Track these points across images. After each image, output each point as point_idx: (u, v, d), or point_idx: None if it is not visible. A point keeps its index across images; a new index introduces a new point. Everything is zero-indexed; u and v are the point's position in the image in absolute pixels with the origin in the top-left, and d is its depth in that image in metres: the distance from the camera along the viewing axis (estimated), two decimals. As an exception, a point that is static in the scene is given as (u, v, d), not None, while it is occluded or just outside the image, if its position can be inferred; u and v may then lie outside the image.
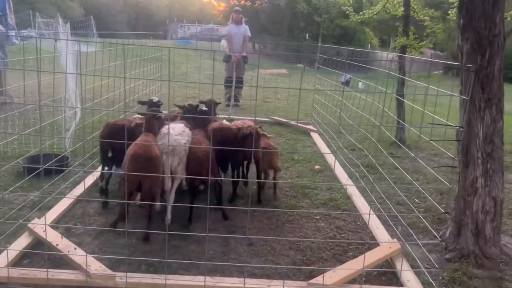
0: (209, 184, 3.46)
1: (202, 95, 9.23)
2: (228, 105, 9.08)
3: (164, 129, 3.74)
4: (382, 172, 4.81)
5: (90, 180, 4.33)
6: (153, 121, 3.72)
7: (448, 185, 3.64)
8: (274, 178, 4.44)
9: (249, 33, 9.76)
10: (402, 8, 7.20)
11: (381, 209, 4.15)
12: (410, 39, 6.45)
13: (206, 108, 4.43)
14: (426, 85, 2.89)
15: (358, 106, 5.48)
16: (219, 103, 5.29)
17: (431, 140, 3.19)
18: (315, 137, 7.07)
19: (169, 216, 3.55)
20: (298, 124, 7.65)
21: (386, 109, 4.79)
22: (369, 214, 3.52)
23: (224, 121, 4.92)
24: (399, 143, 6.00)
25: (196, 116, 4.21)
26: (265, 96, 11.23)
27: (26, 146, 5.05)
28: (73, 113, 5.65)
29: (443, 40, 26.01)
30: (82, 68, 4.03)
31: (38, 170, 3.78)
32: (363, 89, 10.02)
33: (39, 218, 3.35)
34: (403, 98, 6.45)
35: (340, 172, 5.17)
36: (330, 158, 5.81)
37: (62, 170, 4.42)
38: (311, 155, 5.99)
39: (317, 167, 5.39)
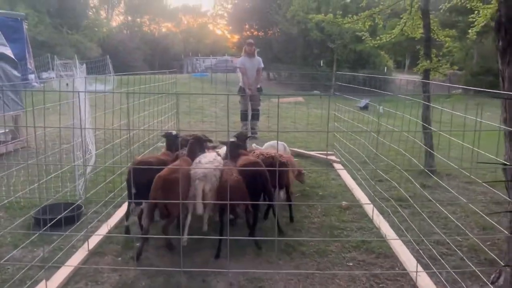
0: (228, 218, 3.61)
1: (219, 129, 9.06)
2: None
3: (198, 158, 4.13)
4: (416, 206, 4.43)
5: (103, 230, 4.08)
6: (195, 147, 4.23)
7: (490, 220, 3.25)
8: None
9: (262, 65, 9.66)
10: (420, 30, 6.93)
11: (420, 251, 3.75)
12: (434, 62, 6.15)
13: (235, 139, 4.56)
14: (467, 115, 2.57)
15: (384, 135, 5.15)
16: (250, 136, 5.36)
17: (484, 182, 2.82)
18: (339, 168, 6.71)
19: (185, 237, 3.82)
20: (321, 156, 7.33)
21: (410, 134, 4.48)
22: (416, 272, 3.12)
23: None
24: (430, 173, 5.59)
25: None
26: (283, 126, 10.98)
27: (40, 195, 4.85)
28: (87, 158, 5.47)
29: (461, 58, 25.52)
30: (97, 109, 3.95)
31: (49, 225, 3.57)
32: (382, 114, 9.72)
33: (47, 279, 3.09)
34: (429, 123, 6.10)
35: (370, 208, 4.79)
36: (357, 193, 5.45)
37: (73, 221, 4.20)
38: (336, 190, 5.64)
39: (344, 203, 5.01)
